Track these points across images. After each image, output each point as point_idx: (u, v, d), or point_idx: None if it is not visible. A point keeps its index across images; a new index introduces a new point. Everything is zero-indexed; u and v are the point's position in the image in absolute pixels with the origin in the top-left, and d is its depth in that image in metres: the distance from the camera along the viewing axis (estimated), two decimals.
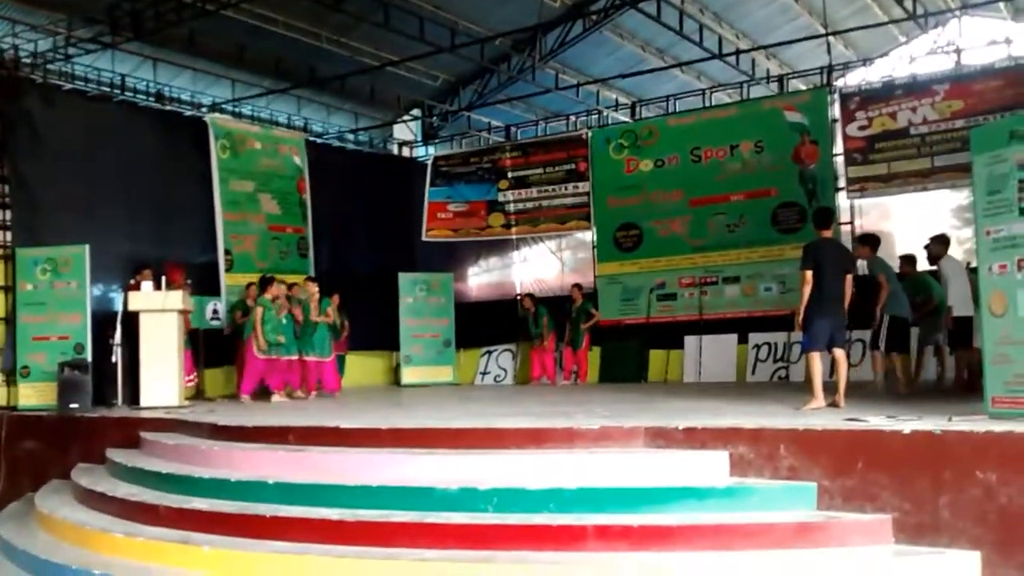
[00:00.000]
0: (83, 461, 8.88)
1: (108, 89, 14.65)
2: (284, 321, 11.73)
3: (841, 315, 7.74)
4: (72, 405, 10.02)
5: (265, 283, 11.79)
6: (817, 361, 7.61)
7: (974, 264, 7.03)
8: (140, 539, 6.17)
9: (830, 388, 7.65)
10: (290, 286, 12.43)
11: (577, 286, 14.31)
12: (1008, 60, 12.12)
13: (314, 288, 12.26)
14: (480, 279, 18.17)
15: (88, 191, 11.75)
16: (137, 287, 10.66)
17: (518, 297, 15.86)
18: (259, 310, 11.42)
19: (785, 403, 7.91)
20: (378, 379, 15.52)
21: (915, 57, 17.21)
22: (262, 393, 11.64)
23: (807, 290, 7.59)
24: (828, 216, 8.25)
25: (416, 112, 19.43)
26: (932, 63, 15.70)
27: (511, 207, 15.86)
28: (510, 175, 15.89)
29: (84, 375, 10.25)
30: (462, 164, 16.43)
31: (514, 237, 16.41)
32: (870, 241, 9.34)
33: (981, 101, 11.77)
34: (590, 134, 15.24)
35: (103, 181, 11.94)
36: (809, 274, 7.58)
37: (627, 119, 16.61)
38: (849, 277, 7.74)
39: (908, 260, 10.07)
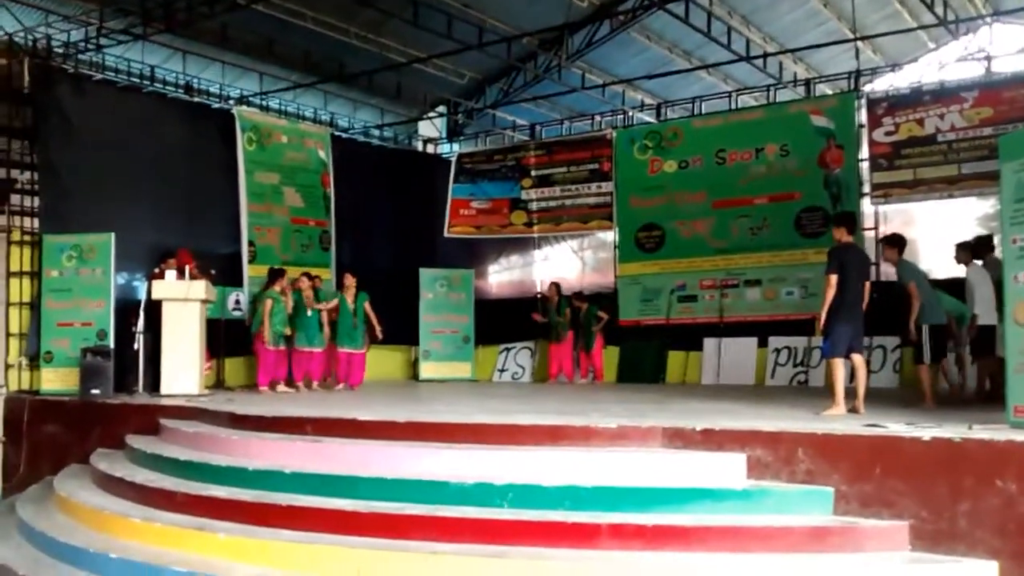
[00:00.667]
0: (103, 446, 8.99)
1: (138, 80, 14.80)
2: (309, 313, 11.86)
3: (861, 321, 7.69)
4: (94, 391, 10.13)
5: (274, 275, 11.90)
6: (840, 367, 7.56)
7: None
8: (157, 524, 6.23)
9: (849, 394, 7.60)
10: (312, 278, 12.54)
11: (578, 294, 14.28)
12: None
13: (351, 281, 12.43)
14: (501, 276, 18.18)
15: (116, 180, 11.87)
16: (161, 276, 10.74)
17: (539, 296, 15.86)
18: (268, 302, 11.54)
19: (804, 407, 7.88)
20: (396, 373, 15.57)
21: (944, 63, 17.10)
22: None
23: (831, 294, 7.54)
24: (852, 220, 8.18)
25: (441, 109, 19.46)
26: (961, 70, 15.56)
27: (534, 205, 15.86)
28: (533, 173, 15.90)
29: (106, 361, 10.35)
30: (486, 162, 16.45)
31: (536, 235, 16.41)
32: (897, 242, 8.58)
33: (1011, 108, 11.64)
34: (615, 134, 15.21)
35: (131, 171, 12.06)
36: (834, 278, 7.52)
37: (652, 120, 16.57)
38: (868, 284, 7.69)
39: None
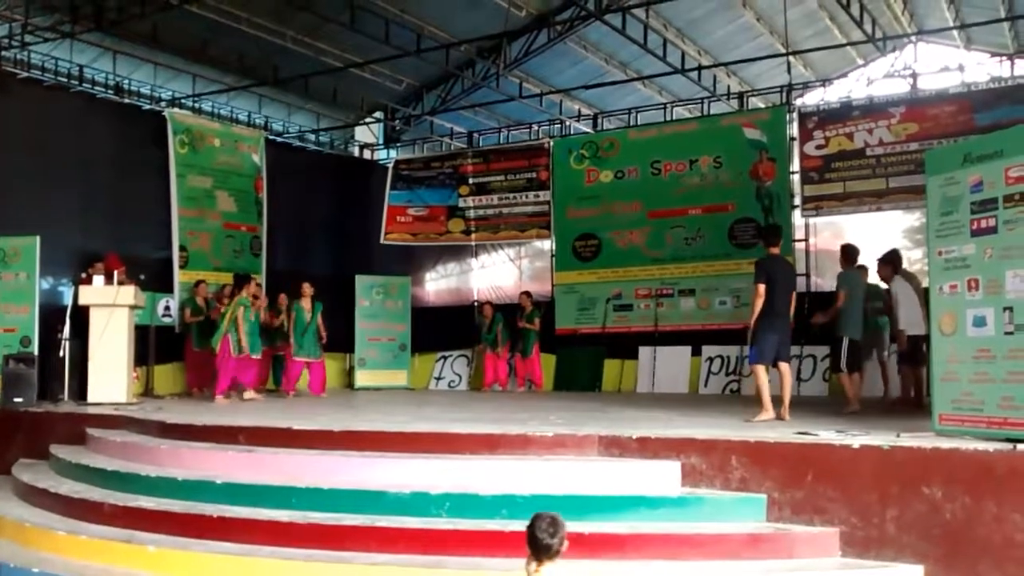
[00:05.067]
0: (26, 457, 8.71)
1: (65, 80, 14.41)
2: (253, 319, 11.68)
3: (788, 330, 7.88)
4: (16, 399, 9.83)
5: (241, 281, 11.58)
6: (764, 373, 7.75)
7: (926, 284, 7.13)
8: (83, 536, 6.06)
9: (776, 401, 7.74)
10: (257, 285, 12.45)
11: (527, 294, 14.31)
12: (961, 86, 12.38)
13: (310, 290, 12.32)
14: (438, 284, 18.14)
15: (42, 182, 11.53)
16: (88, 281, 10.48)
17: (475, 303, 15.83)
18: (240, 309, 11.19)
19: (736, 415, 7.99)
20: (331, 382, 15.36)
21: (872, 80, 17.58)
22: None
23: (759, 304, 7.71)
24: (778, 233, 8.37)
25: (379, 115, 19.36)
26: (888, 86, 16.03)
27: (471, 213, 15.84)
28: (471, 181, 15.88)
29: (30, 368, 10.07)
30: (423, 168, 16.38)
31: (473, 243, 16.39)
32: (891, 260, 9.13)
33: (935, 125, 11.99)
34: (552, 143, 15.28)
35: (57, 172, 11.75)
36: (762, 288, 7.71)
37: (589, 130, 16.72)
38: (794, 294, 7.88)
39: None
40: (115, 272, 10.39)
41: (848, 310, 8.64)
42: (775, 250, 8.10)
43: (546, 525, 3.78)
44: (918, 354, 8.65)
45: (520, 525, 5.50)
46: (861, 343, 8.79)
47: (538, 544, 3.77)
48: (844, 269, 9.03)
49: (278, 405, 10.74)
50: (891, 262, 9.21)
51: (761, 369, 7.75)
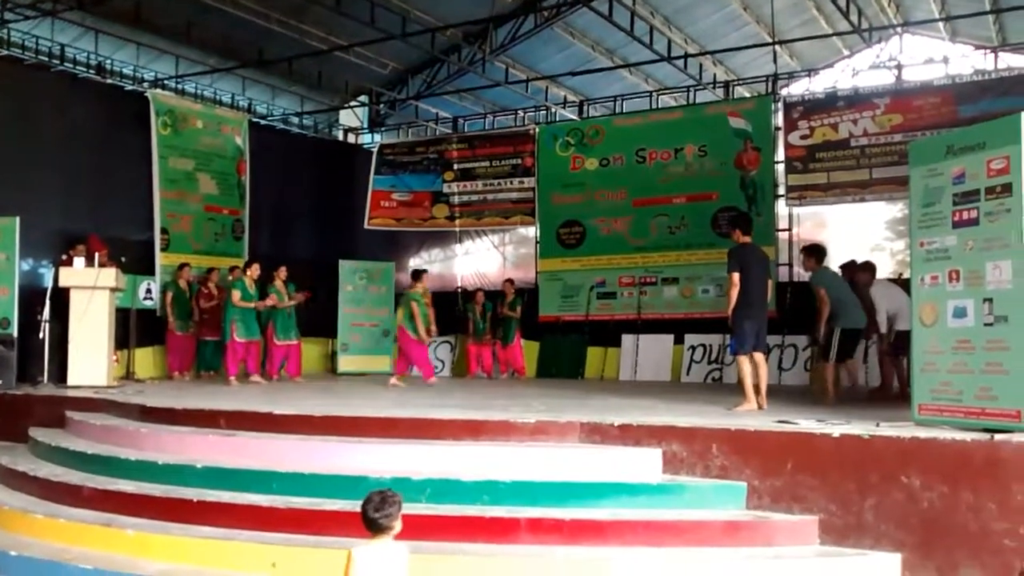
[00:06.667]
0: (4, 440, 8.66)
1: (46, 59, 14.24)
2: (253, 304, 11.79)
3: (765, 319, 7.91)
4: None
5: (419, 274, 12.05)
6: (747, 364, 7.77)
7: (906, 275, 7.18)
8: (61, 520, 6.04)
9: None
10: (231, 269, 12.46)
11: (510, 281, 14.29)
12: (945, 78, 12.43)
13: (285, 274, 12.34)
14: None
15: (21, 162, 11.43)
16: (69, 263, 10.39)
17: (459, 290, 15.80)
18: (414, 304, 11.59)
19: (718, 404, 8.03)
20: (314, 367, 15.35)
21: (858, 70, 17.62)
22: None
23: (735, 293, 7.75)
24: (749, 222, 8.39)
25: (363, 99, 19.26)
26: (874, 77, 16.08)
27: (456, 199, 15.80)
28: (456, 167, 15.83)
29: (9, 351, 10.01)
30: (408, 153, 16.32)
31: (457, 229, 16.37)
32: (815, 251, 9.09)
33: (919, 116, 12.05)
34: (537, 130, 15.25)
35: (38, 153, 11.65)
36: (737, 276, 7.74)
37: (574, 117, 16.70)
38: (770, 282, 7.89)
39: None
40: (96, 254, 10.31)
41: (837, 302, 8.66)
42: (747, 239, 8.11)
43: (376, 501, 3.99)
44: (902, 346, 8.69)
45: (502, 511, 5.56)
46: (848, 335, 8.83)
47: (364, 518, 3.99)
48: (814, 269, 8.98)
49: (258, 390, 10.72)
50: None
51: (744, 360, 7.77)
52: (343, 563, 3.94)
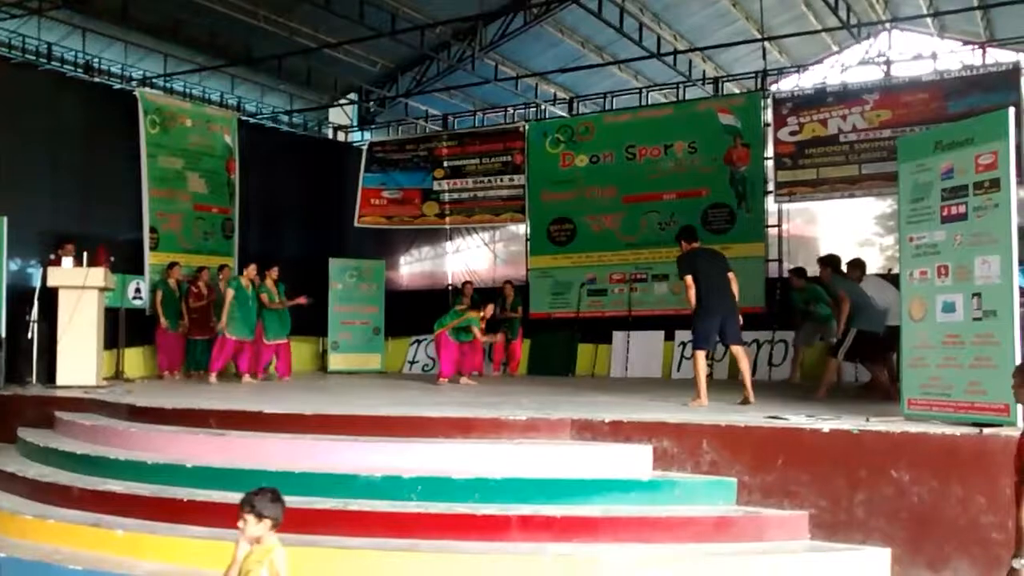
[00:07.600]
0: None
1: (33, 57, 14.16)
2: (250, 304, 11.73)
3: (733, 312, 7.93)
4: None
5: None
6: (702, 360, 7.91)
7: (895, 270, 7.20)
8: (51, 521, 6.01)
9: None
10: (221, 268, 12.48)
11: (510, 283, 14.24)
12: (934, 74, 12.46)
13: (276, 273, 12.22)
14: (412, 268, 18.09)
15: (9, 162, 11.34)
16: (58, 263, 10.34)
17: (449, 287, 15.77)
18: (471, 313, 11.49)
19: (709, 400, 8.02)
20: (304, 365, 15.31)
21: (847, 66, 17.64)
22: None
23: (692, 294, 7.90)
24: (692, 231, 8.56)
25: (353, 96, 19.19)
26: (862, 73, 16.09)
27: (446, 196, 15.78)
28: (446, 164, 15.81)
29: None
30: (398, 151, 16.29)
31: (448, 227, 16.35)
32: (830, 262, 9.44)
33: (908, 112, 12.08)
34: (527, 127, 15.25)
35: (25, 152, 11.58)
36: (690, 279, 7.90)
37: (564, 114, 16.69)
38: (732, 275, 7.95)
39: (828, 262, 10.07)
40: (85, 254, 10.26)
41: (855, 306, 8.76)
42: (695, 244, 8.29)
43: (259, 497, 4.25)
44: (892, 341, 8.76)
45: (493, 509, 5.56)
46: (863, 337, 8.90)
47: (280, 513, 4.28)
48: (829, 279, 9.31)
49: (248, 389, 10.70)
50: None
51: (701, 355, 7.91)
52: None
